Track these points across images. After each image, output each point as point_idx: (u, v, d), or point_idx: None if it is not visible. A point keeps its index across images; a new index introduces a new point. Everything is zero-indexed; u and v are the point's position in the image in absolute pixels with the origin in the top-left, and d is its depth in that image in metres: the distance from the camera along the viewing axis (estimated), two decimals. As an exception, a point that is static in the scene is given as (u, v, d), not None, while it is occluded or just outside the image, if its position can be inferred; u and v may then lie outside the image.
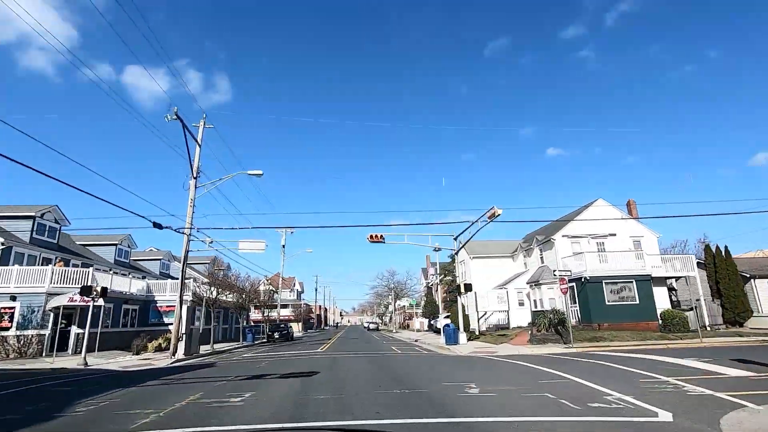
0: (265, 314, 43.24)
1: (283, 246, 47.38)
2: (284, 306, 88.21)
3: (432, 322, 40.76)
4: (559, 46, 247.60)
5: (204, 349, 25.10)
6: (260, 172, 22.51)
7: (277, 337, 35.69)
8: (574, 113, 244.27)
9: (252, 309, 47.00)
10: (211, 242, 22.65)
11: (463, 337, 21.57)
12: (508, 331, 27.44)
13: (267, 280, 44.26)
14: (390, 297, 55.07)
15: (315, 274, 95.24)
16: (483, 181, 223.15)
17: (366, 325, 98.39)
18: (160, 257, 42.58)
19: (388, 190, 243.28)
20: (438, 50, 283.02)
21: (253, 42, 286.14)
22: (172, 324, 29.88)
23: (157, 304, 29.98)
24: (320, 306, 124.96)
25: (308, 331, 75.76)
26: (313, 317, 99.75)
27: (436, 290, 62.42)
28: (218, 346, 28.64)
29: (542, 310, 27.19)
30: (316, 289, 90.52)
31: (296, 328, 75.04)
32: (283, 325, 38.61)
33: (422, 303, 67.08)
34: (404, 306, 66.03)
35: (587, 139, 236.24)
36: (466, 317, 33.92)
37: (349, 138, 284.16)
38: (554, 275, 20.16)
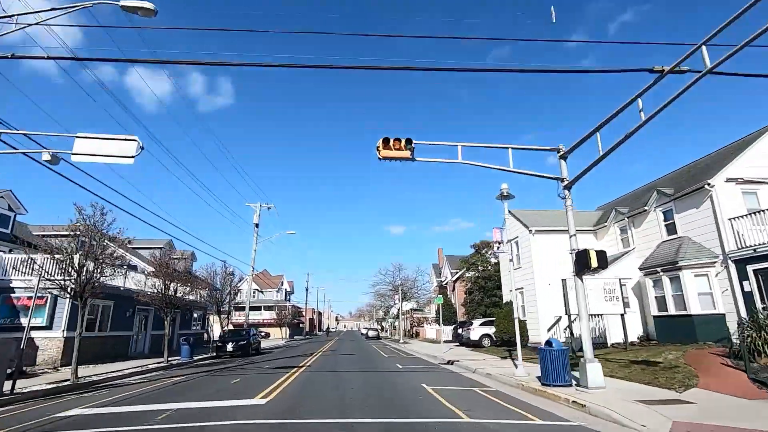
0: (225, 317, 30.90)
1: (257, 225, 35.22)
2: (267, 308, 75.37)
3: (462, 330, 28.50)
4: (561, 54, 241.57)
5: (55, 377, 12.97)
6: None
7: (231, 349, 23.47)
8: (574, 120, 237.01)
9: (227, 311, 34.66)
10: (53, 157, 10.45)
11: (595, 372, 9.34)
12: (625, 352, 15.21)
13: (228, 268, 31.92)
14: (396, 297, 42.78)
15: (307, 272, 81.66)
16: (484, 187, 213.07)
17: (364, 331, 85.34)
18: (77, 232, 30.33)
19: (388, 191, 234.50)
20: (440, 55, 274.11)
21: (255, 44, 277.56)
22: (34, 326, 17.71)
23: (14, 294, 17.82)
24: (313, 309, 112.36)
25: (294, 338, 63.29)
26: (303, 321, 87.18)
27: (453, 290, 50.30)
28: (114, 368, 16.42)
29: (688, 315, 15.09)
30: (306, 289, 78.19)
31: (279, 335, 62.55)
32: (244, 332, 26.40)
33: (434, 306, 54.82)
34: (411, 309, 53.70)
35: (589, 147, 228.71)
36: (521, 325, 21.78)
37: (350, 139, 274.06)
38: None
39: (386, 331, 79.11)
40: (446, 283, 50.99)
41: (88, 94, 44.14)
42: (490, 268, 39.72)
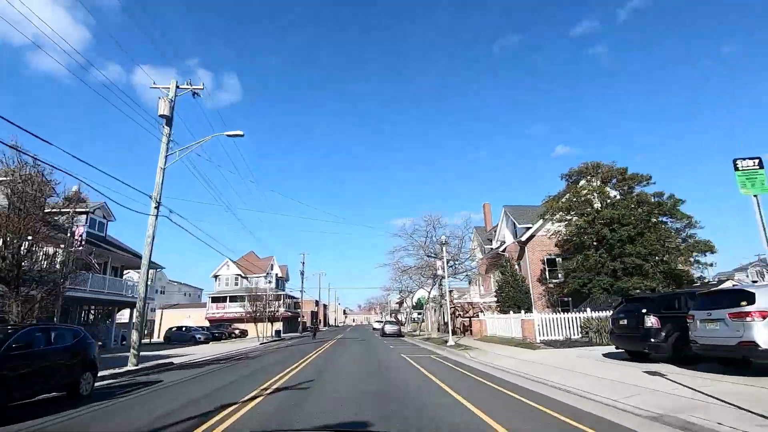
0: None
1: (167, 119, 17.21)
2: (252, 298, 57.07)
3: (696, 322, 10.08)
4: (570, 42, 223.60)
5: None
6: None
7: None
8: (585, 110, 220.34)
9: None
10: None
11: None
12: None
13: (48, 180, 13.87)
14: (438, 265, 24.22)
15: (302, 252, 62.54)
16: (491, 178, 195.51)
17: (377, 326, 66.86)
18: None
19: (391, 188, 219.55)
20: (447, 47, 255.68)
21: (262, 42, 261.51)
22: None
23: None
24: (317, 301, 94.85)
25: (282, 337, 45.29)
26: (301, 315, 69.24)
27: (520, 257, 31.42)
28: None
29: None
30: (301, 272, 60.11)
31: (260, 333, 44.81)
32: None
33: (484, 285, 36.55)
34: (451, 292, 35.40)
35: (598, 137, 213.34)
36: None
37: (355, 136, 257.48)
38: None
39: (406, 326, 61.15)
40: (506, 250, 32.76)
41: None
42: (616, 210, 21.31)
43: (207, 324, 55.11)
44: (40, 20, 11.02)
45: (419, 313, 63.22)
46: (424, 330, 46.50)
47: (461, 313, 34.30)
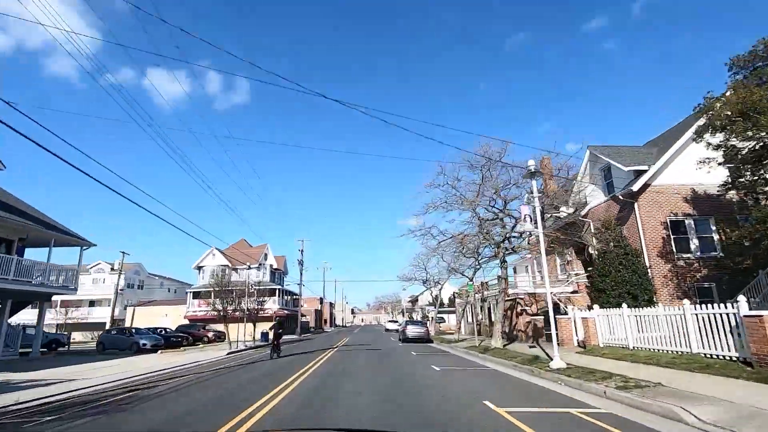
0: None
1: None
2: (217, 294, 45.88)
3: None
4: (582, 38, 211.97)
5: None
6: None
7: None
8: (595, 107, 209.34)
9: None
10: None
11: None
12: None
13: None
14: (531, 216, 13.08)
15: (300, 239, 51.03)
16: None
17: (392, 326, 55.73)
18: None
19: (404, 190, 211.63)
20: (457, 46, 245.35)
21: (271, 45, 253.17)
22: None
23: None
24: (321, 299, 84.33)
25: (268, 340, 34.42)
26: (301, 314, 58.36)
27: (622, 220, 19.53)
28: None
29: None
30: (300, 262, 49.31)
31: (246, 335, 34.50)
32: None
33: (535, 269, 25.52)
34: (503, 279, 24.38)
35: (606, 134, 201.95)
36: None
37: (366, 140, 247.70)
38: None
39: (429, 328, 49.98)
40: (588, 214, 21.76)
41: None
42: None
43: (187, 323, 44.83)
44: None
45: (438, 312, 52.25)
46: (457, 333, 35.63)
47: (522, 308, 23.38)
